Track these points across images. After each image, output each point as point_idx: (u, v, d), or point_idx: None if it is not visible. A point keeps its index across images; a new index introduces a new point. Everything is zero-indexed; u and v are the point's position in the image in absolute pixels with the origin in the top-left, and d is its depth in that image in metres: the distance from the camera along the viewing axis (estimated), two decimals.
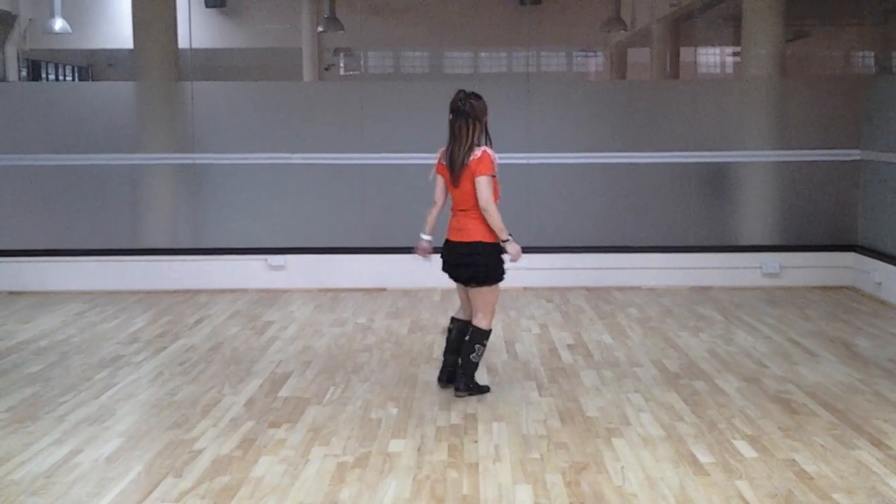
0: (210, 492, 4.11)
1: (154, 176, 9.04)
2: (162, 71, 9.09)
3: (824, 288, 8.61)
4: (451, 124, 5.32)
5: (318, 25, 10.00)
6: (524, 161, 8.76)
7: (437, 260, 5.52)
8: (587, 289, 8.61)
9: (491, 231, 5.28)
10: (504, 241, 5.29)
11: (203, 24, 9.48)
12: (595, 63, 10.42)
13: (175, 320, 7.54)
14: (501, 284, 5.42)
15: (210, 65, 9.73)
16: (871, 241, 8.49)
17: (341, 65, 10.52)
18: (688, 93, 9.05)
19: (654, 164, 8.83)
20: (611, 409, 5.21)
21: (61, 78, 10.94)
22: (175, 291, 8.61)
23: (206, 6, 9.58)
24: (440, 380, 5.62)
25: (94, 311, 7.86)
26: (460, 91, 5.35)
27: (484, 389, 5.49)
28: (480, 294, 5.37)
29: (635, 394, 5.48)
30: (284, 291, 8.61)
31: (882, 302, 8.00)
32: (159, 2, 8.99)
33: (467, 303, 5.54)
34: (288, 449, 4.62)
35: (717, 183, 8.97)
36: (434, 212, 5.53)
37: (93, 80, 10.90)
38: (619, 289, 8.60)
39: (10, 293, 8.58)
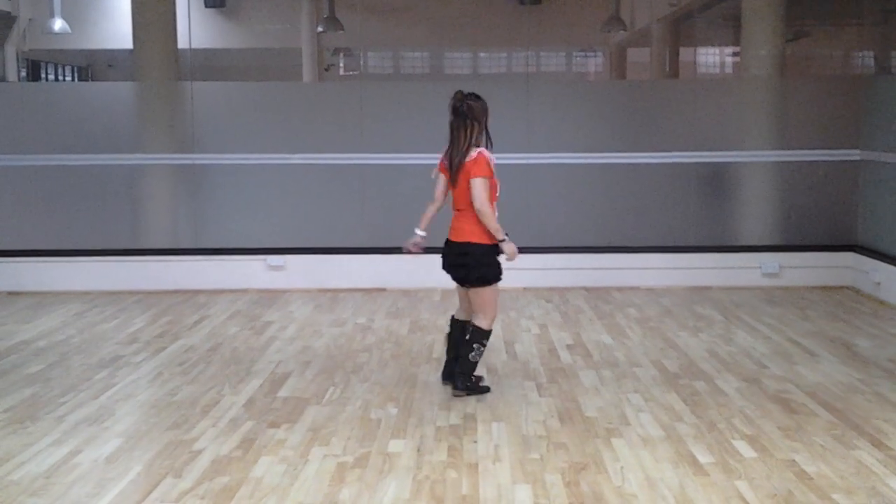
0: (210, 492, 4.11)
1: (154, 176, 9.03)
2: (162, 71, 9.09)
3: (824, 288, 8.61)
4: (450, 125, 5.33)
5: (317, 25, 10.00)
6: (524, 161, 8.76)
7: (435, 259, 5.53)
8: (586, 289, 8.61)
9: (486, 232, 5.29)
10: (500, 242, 5.29)
11: (203, 24, 9.48)
12: (595, 63, 10.42)
13: (174, 320, 7.54)
14: (501, 285, 5.43)
15: (210, 65, 9.74)
16: (870, 241, 8.49)
17: (341, 65, 10.52)
18: (687, 93, 9.04)
19: (653, 164, 8.83)
20: (610, 409, 5.21)
21: (61, 78, 10.95)
22: (175, 292, 8.61)
23: (206, 6, 9.58)
24: (443, 376, 5.65)
25: (93, 312, 7.86)
26: (458, 92, 5.35)
27: (484, 390, 5.49)
28: (477, 294, 5.37)
29: (635, 394, 5.48)
30: (284, 291, 8.61)
31: (882, 302, 8.00)
32: (159, 2, 8.98)
33: (467, 303, 5.54)
34: (287, 449, 4.62)
35: (716, 183, 8.97)
36: (432, 208, 5.53)
37: (92, 80, 10.90)
38: (619, 289, 8.60)
39: (10, 293, 8.58)
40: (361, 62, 10.06)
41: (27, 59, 10.29)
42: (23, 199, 8.84)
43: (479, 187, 5.20)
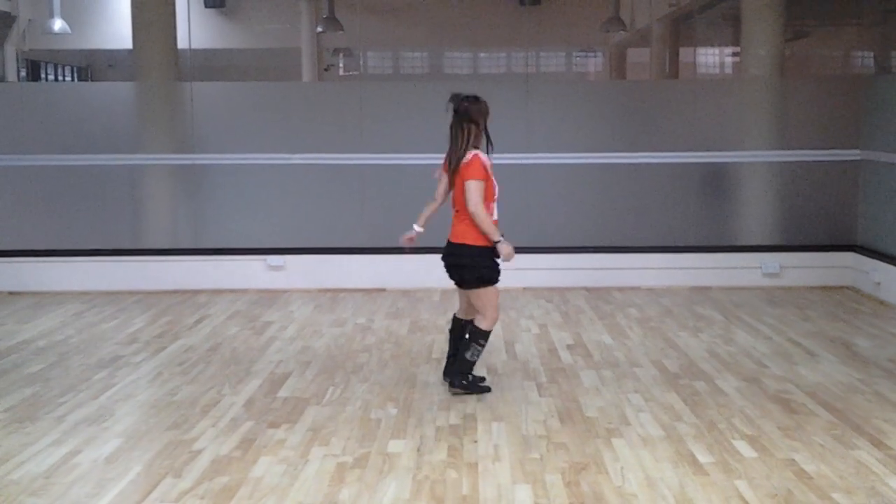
0: (209, 492, 4.10)
1: (153, 176, 9.03)
2: (161, 71, 9.09)
3: (824, 288, 8.61)
4: (450, 126, 5.33)
5: (317, 26, 10.00)
6: (524, 161, 8.75)
7: (435, 259, 5.53)
8: (587, 289, 8.61)
9: (480, 234, 5.29)
10: (496, 243, 5.29)
11: (202, 24, 9.48)
12: (594, 63, 10.41)
13: (174, 321, 7.54)
14: (501, 285, 5.43)
15: (209, 65, 9.73)
16: (870, 241, 8.49)
17: (341, 65, 10.51)
18: (687, 93, 9.04)
19: (653, 164, 8.83)
20: (610, 409, 5.21)
21: (61, 78, 10.94)
22: (174, 292, 8.61)
23: (206, 6, 9.58)
24: (444, 374, 5.67)
25: (93, 312, 7.85)
26: (453, 94, 5.33)
27: (484, 389, 5.50)
28: (476, 296, 5.38)
29: (635, 394, 5.48)
30: (284, 292, 8.61)
31: (882, 302, 8.00)
32: (159, 2, 8.99)
33: (467, 303, 5.55)
34: (287, 449, 4.62)
35: (716, 183, 8.97)
36: (431, 206, 5.54)
37: (92, 80, 10.89)
38: (619, 289, 8.60)
39: (10, 293, 8.58)
40: (361, 62, 10.05)
41: (27, 59, 10.28)
42: (23, 199, 8.84)
43: (472, 190, 5.21)
